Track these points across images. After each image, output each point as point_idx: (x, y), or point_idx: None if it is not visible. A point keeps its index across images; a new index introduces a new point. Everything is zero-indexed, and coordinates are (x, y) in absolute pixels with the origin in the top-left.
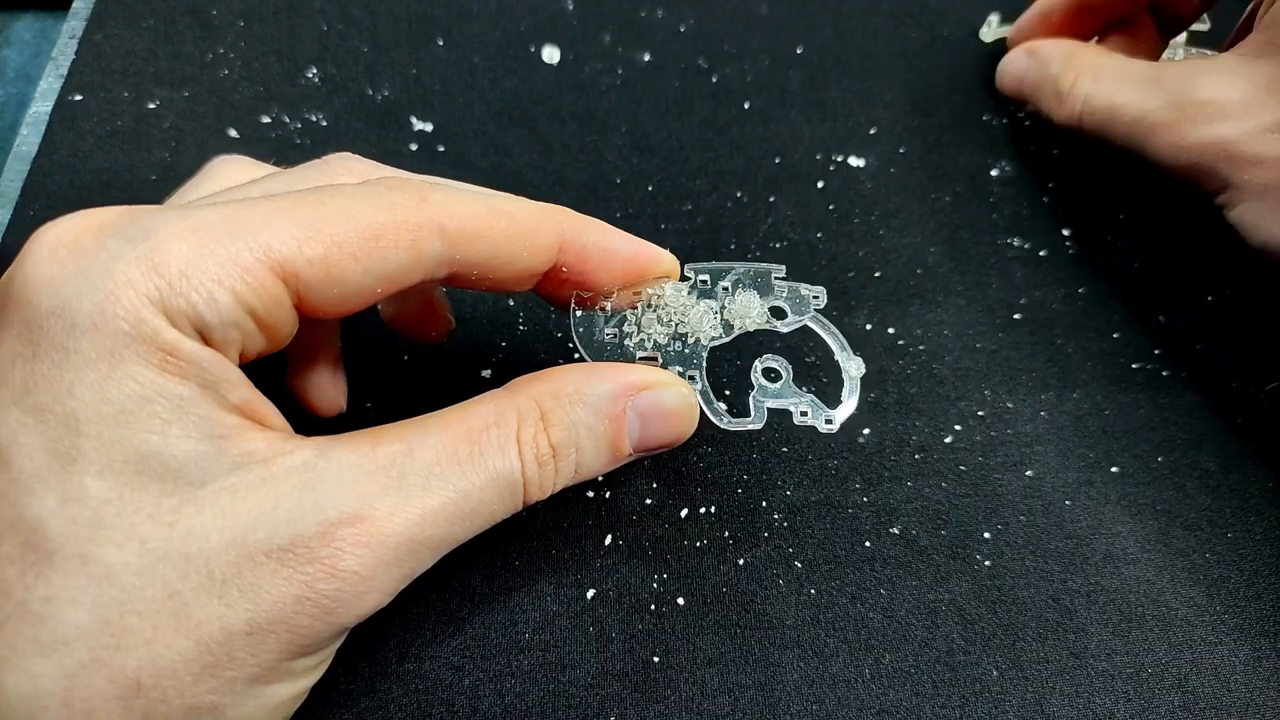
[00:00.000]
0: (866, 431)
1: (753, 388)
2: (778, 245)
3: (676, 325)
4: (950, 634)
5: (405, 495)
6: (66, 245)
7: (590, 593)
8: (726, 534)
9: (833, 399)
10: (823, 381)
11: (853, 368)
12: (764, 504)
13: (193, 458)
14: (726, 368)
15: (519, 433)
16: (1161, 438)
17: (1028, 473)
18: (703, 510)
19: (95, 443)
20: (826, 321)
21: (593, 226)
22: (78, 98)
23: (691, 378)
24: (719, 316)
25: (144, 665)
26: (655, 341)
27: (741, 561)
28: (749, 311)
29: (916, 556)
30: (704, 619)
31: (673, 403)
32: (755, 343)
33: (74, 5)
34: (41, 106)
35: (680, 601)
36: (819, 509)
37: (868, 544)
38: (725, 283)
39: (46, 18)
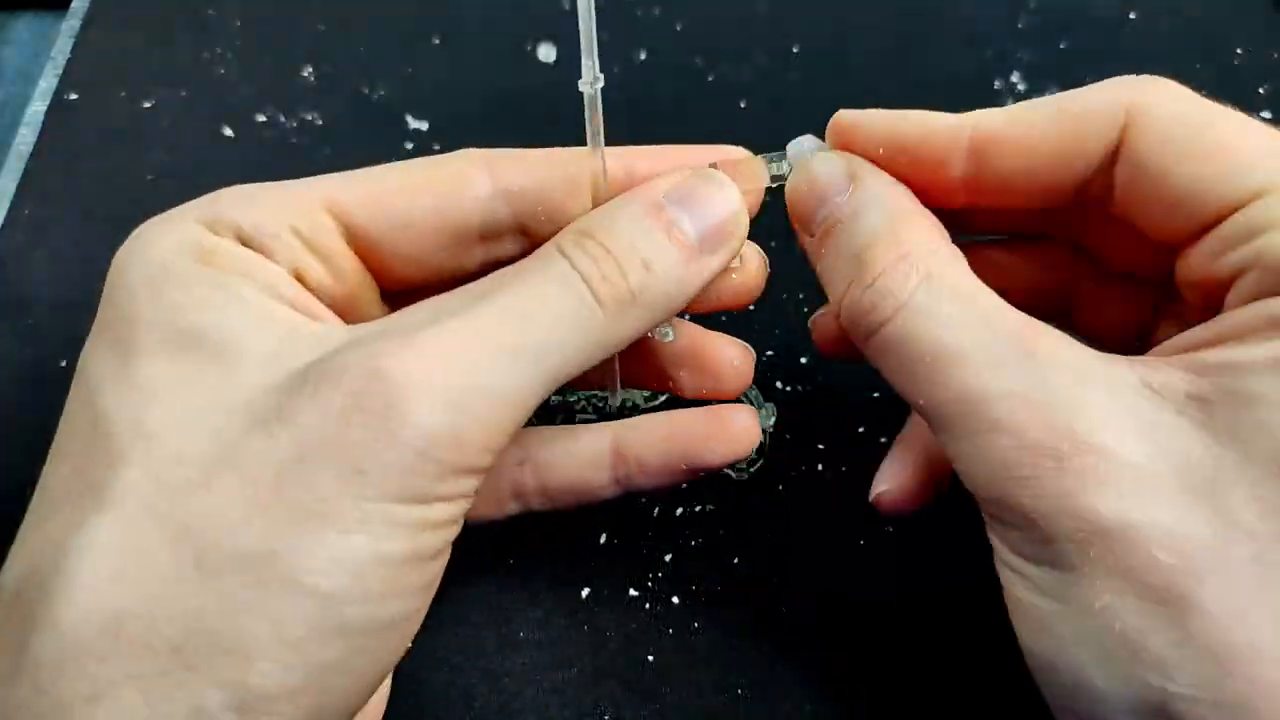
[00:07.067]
0: (861, 430)
1: None
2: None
3: None
4: (953, 630)
5: (442, 315)
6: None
7: (585, 591)
8: (722, 532)
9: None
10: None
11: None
12: (760, 503)
13: (236, 331)
14: None
15: (558, 245)
16: None
17: None
18: (698, 509)
19: (147, 332)
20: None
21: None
22: (74, 97)
23: None
24: None
25: (191, 510)
26: None
27: (736, 560)
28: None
29: (914, 554)
30: (699, 618)
31: (706, 178)
32: None
33: (73, 4)
34: (41, 106)
35: (675, 600)
36: (815, 508)
37: (862, 542)
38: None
39: (45, 17)
